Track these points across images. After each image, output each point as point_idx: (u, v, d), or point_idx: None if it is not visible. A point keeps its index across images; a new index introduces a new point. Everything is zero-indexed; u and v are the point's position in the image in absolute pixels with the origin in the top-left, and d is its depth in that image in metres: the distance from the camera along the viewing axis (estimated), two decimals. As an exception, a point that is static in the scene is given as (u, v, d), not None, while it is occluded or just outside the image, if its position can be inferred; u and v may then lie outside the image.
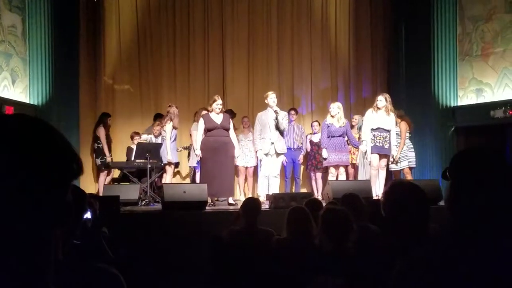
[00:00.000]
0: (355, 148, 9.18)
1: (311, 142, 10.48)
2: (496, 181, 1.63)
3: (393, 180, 8.54)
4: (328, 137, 8.78)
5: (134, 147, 9.84)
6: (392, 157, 8.69)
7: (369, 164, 8.82)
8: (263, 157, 8.57)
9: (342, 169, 8.91)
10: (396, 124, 8.94)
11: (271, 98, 8.57)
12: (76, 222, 2.00)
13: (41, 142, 0.89)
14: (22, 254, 0.86)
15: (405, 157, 8.93)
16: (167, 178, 9.15)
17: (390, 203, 2.46)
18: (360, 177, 9.59)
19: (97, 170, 9.78)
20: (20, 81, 8.65)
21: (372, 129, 8.54)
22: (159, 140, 9.51)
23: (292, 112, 10.55)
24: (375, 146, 8.53)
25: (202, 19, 11.84)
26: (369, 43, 12.36)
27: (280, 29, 12.15)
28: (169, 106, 9.31)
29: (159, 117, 10.09)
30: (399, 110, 9.19)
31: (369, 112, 8.71)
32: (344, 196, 4.74)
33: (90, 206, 3.78)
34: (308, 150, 10.45)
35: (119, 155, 10.50)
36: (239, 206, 5.60)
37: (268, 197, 7.97)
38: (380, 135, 8.51)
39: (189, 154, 10.27)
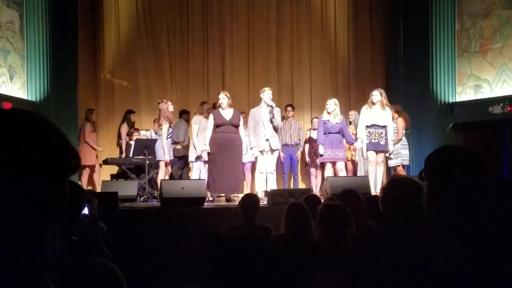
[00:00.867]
0: (350, 145, 9.17)
1: (310, 138, 10.48)
2: (468, 181, 1.64)
3: (392, 176, 8.57)
4: (324, 134, 8.76)
5: (132, 143, 9.83)
6: (388, 152, 8.69)
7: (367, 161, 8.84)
8: (258, 154, 8.54)
9: (342, 166, 8.89)
10: (393, 120, 8.94)
11: (267, 94, 8.51)
12: (73, 218, 2.00)
13: (38, 137, 0.89)
14: (19, 249, 0.86)
15: (398, 155, 8.94)
16: (160, 175, 9.00)
17: (389, 199, 2.47)
18: (359, 173, 9.60)
19: None
20: (18, 77, 8.63)
21: (367, 126, 8.54)
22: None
23: (289, 108, 10.54)
24: (371, 142, 8.53)
25: (202, 16, 11.82)
26: (368, 39, 12.36)
27: (279, 26, 12.14)
28: (159, 103, 9.24)
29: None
30: (396, 105, 9.19)
31: (364, 109, 8.71)
32: (342, 192, 4.74)
33: (89, 202, 3.78)
34: (301, 150, 10.48)
35: (117, 151, 10.51)
36: (237, 202, 5.59)
37: (266, 193, 7.96)
38: (375, 132, 8.51)
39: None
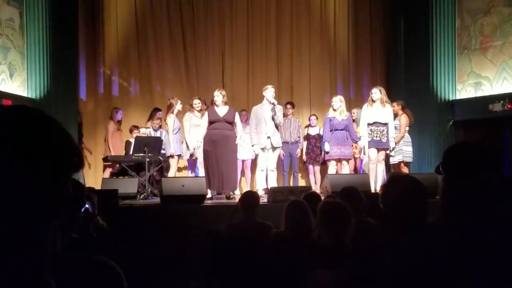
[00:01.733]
0: (355, 143, 9.16)
1: (308, 135, 10.48)
2: (486, 174, 1.63)
3: (392, 173, 8.57)
4: (330, 131, 8.76)
5: (132, 140, 9.82)
6: (389, 149, 8.70)
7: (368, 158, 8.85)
8: (259, 151, 8.53)
9: (345, 162, 8.89)
10: (396, 117, 8.95)
11: (270, 91, 8.51)
12: (74, 216, 2.00)
13: (41, 134, 0.88)
14: (21, 246, 0.86)
15: (399, 151, 8.95)
16: (171, 171, 9.11)
17: (389, 196, 2.46)
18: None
19: None
20: (18, 75, 8.62)
21: (369, 124, 8.55)
22: (158, 134, 9.50)
23: (289, 106, 10.54)
24: (372, 140, 8.54)
25: (202, 12, 11.81)
26: (368, 37, 12.35)
27: (279, 23, 12.13)
28: (171, 98, 9.34)
29: (156, 111, 10.08)
30: (400, 101, 9.19)
31: (365, 107, 8.73)
32: (343, 190, 4.74)
33: (89, 200, 3.78)
34: (301, 147, 10.47)
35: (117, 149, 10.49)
36: (237, 200, 5.60)
37: (267, 190, 7.96)
38: (377, 129, 8.52)
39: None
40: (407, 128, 9.03)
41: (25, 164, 0.85)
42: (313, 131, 10.41)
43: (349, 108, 10.65)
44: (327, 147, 8.78)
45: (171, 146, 8.96)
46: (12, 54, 8.44)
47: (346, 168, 8.94)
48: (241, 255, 4.17)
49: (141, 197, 8.27)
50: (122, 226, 5.92)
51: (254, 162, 10.09)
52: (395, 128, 8.88)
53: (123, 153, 9.89)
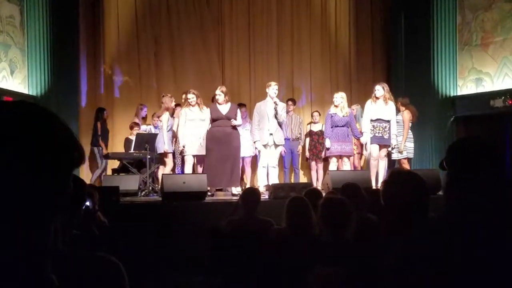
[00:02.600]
0: (356, 139, 9.14)
1: (311, 132, 10.47)
2: (490, 170, 1.63)
3: (393, 169, 8.57)
4: (331, 127, 8.75)
5: (132, 137, 9.83)
6: (391, 146, 8.69)
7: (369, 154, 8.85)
8: (261, 147, 8.52)
9: (346, 159, 8.89)
10: (399, 113, 8.95)
11: (273, 88, 8.48)
12: (75, 212, 2.01)
13: (41, 129, 0.88)
14: (22, 242, 0.86)
15: (404, 147, 8.94)
16: (166, 169, 9.01)
17: (390, 192, 2.46)
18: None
19: None
20: (19, 72, 8.63)
21: (371, 120, 8.55)
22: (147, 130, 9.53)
23: (290, 102, 10.53)
24: (375, 136, 8.55)
25: (202, 9, 11.79)
26: (369, 33, 12.34)
27: (280, 20, 12.12)
28: (163, 96, 9.24)
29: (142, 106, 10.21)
30: (404, 98, 9.18)
31: (368, 103, 8.73)
32: (344, 186, 4.74)
33: (90, 196, 3.78)
34: (302, 144, 10.47)
35: (119, 146, 10.50)
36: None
37: (268, 187, 7.96)
38: (379, 126, 8.53)
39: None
40: (410, 124, 9.02)
41: (25, 159, 0.84)
42: (315, 128, 10.40)
43: (350, 104, 10.64)
44: (328, 143, 8.77)
45: (165, 143, 8.85)
46: (12, 51, 8.44)
47: (347, 165, 8.93)
48: (242, 252, 4.18)
49: (142, 194, 8.27)
50: (123, 223, 5.93)
51: (253, 159, 10.09)
52: (397, 123, 8.86)
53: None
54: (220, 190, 8.72)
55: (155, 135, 9.16)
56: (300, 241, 3.56)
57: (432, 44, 10.14)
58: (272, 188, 7.43)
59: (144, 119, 10.49)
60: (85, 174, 10.08)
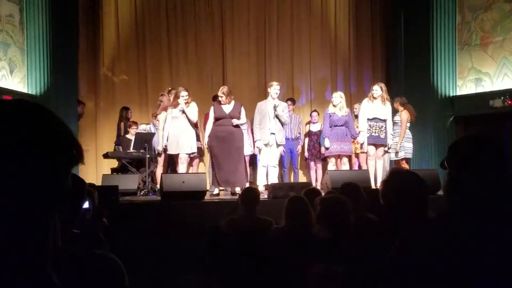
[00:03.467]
0: (353, 139, 9.12)
1: (310, 132, 10.46)
2: (492, 169, 1.63)
3: (393, 168, 8.56)
4: (330, 127, 8.76)
5: (129, 136, 9.82)
6: (387, 145, 8.69)
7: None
8: (263, 147, 8.51)
9: (345, 159, 8.89)
10: (397, 113, 8.96)
11: (275, 89, 8.47)
12: (75, 210, 2.01)
13: (41, 127, 0.89)
14: (22, 240, 0.86)
15: (401, 148, 8.94)
16: (158, 168, 8.88)
17: (389, 191, 2.46)
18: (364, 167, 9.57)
19: None
20: (18, 71, 8.62)
21: (368, 119, 8.57)
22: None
23: (289, 102, 10.50)
24: (371, 136, 8.56)
25: (202, 8, 11.79)
26: (368, 33, 12.34)
27: (279, 19, 12.11)
28: (161, 94, 9.20)
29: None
30: (401, 97, 9.18)
31: (365, 102, 8.74)
32: (343, 185, 4.74)
33: (89, 196, 3.78)
34: (301, 144, 10.45)
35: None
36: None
37: (267, 186, 7.96)
38: (376, 125, 8.54)
39: None
40: (408, 124, 9.02)
41: (24, 157, 0.85)
42: (314, 128, 10.38)
43: (349, 103, 10.64)
44: (327, 143, 8.77)
45: (160, 142, 8.73)
46: (12, 50, 8.43)
47: (346, 165, 8.93)
48: (242, 251, 4.18)
49: (141, 193, 8.27)
50: (122, 222, 5.93)
51: (252, 158, 10.08)
52: (396, 123, 8.87)
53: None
54: (223, 189, 8.70)
55: (154, 134, 9.16)
56: (299, 240, 3.57)
57: (432, 43, 10.14)
58: (271, 188, 7.42)
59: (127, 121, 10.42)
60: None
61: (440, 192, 6.98)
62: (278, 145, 8.58)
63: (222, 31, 11.89)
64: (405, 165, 9.00)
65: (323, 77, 12.22)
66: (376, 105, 8.57)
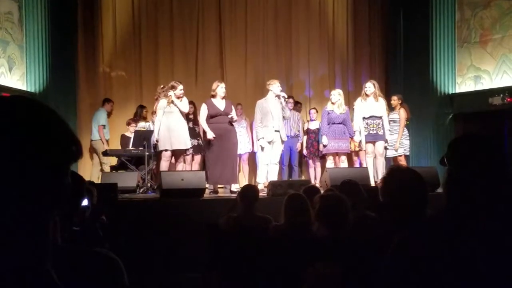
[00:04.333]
0: (351, 138, 9.10)
1: (308, 130, 10.44)
2: (491, 167, 1.63)
3: (392, 166, 8.57)
4: (328, 124, 8.76)
5: (128, 134, 9.81)
6: (387, 141, 8.70)
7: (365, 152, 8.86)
8: (266, 145, 8.48)
9: (343, 157, 8.88)
10: (394, 110, 8.98)
11: (278, 86, 8.48)
12: (74, 207, 2.01)
13: (40, 124, 0.89)
14: (20, 236, 0.86)
15: (400, 145, 8.95)
16: (163, 165, 8.79)
17: (389, 188, 2.46)
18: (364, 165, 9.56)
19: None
20: (17, 68, 8.61)
21: (365, 118, 8.58)
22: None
23: (290, 100, 10.49)
24: (369, 134, 8.57)
25: (200, 6, 11.76)
26: (367, 30, 12.32)
27: (277, 17, 12.09)
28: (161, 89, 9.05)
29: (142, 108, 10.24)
30: (398, 95, 9.21)
31: (359, 101, 8.77)
32: (342, 183, 4.74)
33: (88, 193, 3.78)
34: (300, 141, 10.44)
35: (117, 143, 10.48)
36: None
37: (266, 184, 7.96)
38: (373, 123, 8.56)
39: None
40: (407, 122, 9.04)
41: (22, 153, 0.85)
42: (313, 126, 10.35)
43: (348, 101, 10.62)
44: (324, 140, 8.77)
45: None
46: (11, 47, 8.43)
47: (345, 162, 8.93)
48: (240, 248, 4.18)
49: (141, 191, 8.26)
50: (121, 220, 5.93)
51: (251, 156, 10.07)
52: (394, 121, 8.88)
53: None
54: (222, 187, 8.69)
55: (153, 132, 9.14)
56: (298, 238, 3.57)
57: (431, 41, 10.14)
58: (271, 185, 7.43)
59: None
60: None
61: (439, 190, 6.99)
62: (282, 142, 8.59)
63: (220, 29, 11.86)
64: (403, 162, 9.01)
65: (321, 75, 12.20)
66: (370, 102, 8.61)
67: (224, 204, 6.36)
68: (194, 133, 9.68)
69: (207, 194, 7.79)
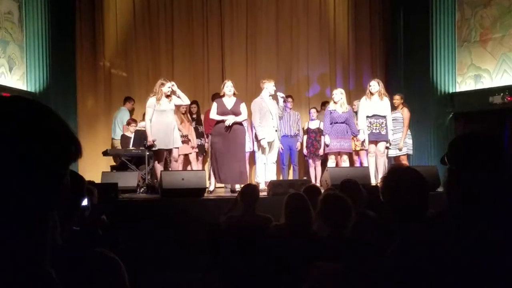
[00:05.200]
0: (354, 136, 9.09)
1: (308, 129, 10.43)
2: (492, 166, 1.63)
3: (393, 165, 8.57)
4: (330, 124, 8.74)
5: (128, 134, 9.80)
6: (389, 141, 8.69)
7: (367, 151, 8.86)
8: (267, 145, 8.46)
9: (345, 156, 8.87)
10: (396, 108, 8.98)
11: (273, 85, 8.49)
12: (74, 207, 2.01)
13: (39, 124, 0.89)
14: (21, 237, 0.86)
15: (404, 144, 8.96)
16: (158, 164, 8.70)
17: (389, 188, 2.46)
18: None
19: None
20: (17, 68, 8.61)
21: (368, 116, 8.56)
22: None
23: (289, 99, 10.49)
24: (372, 133, 8.55)
25: (201, 5, 11.76)
26: (367, 29, 12.31)
27: (278, 16, 12.07)
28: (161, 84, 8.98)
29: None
30: (400, 94, 9.21)
31: (363, 100, 8.73)
32: (342, 182, 4.74)
33: (89, 193, 3.78)
34: (300, 141, 10.42)
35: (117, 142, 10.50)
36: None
37: (267, 183, 7.95)
38: (376, 122, 8.53)
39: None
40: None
41: (21, 153, 0.85)
42: (313, 125, 10.33)
43: (348, 100, 10.61)
44: (327, 139, 8.76)
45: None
46: (11, 47, 8.43)
47: (346, 162, 8.92)
48: (241, 248, 4.18)
49: (141, 190, 8.26)
50: (122, 220, 5.93)
51: (251, 155, 10.06)
52: (396, 120, 8.87)
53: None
54: (222, 187, 8.68)
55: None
56: (298, 237, 3.56)
57: (431, 40, 10.13)
58: (271, 185, 7.43)
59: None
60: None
61: (440, 189, 6.99)
62: (278, 141, 8.62)
63: (221, 28, 11.85)
64: (405, 162, 9.01)
65: (322, 74, 12.19)
66: (374, 101, 8.56)
67: (224, 203, 6.36)
68: (198, 133, 9.70)
69: (221, 193, 7.77)
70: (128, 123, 10.06)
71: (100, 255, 1.03)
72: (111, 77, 11.45)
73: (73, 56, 10.14)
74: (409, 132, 9.10)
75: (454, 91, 10.06)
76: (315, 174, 10.23)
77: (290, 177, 10.47)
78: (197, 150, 9.69)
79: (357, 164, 9.70)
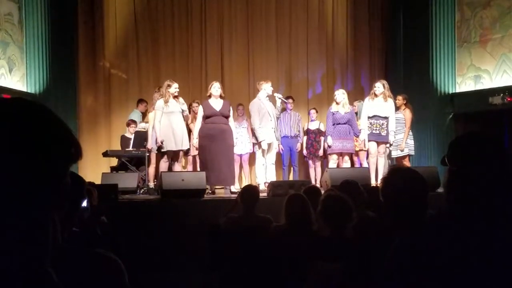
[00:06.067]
0: (356, 137, 9.09)
1: (308, 130, 10.42)
2: (493, 167, 1.63)
3: (393, 166, 8.58)
4: (333, 125, 8.73)
5: (128, 135, 9.80)
6: (389, 143, 8.69)
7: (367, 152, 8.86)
8: (266, 146, 8.44)
9: (346, 157, 8.87)
10: (399, 109, 8.97)
11: (271, 87, 8.50)
12: (74, 208, 2.01)
13: (39, 126, 0.89)
14: (21, 238, 0.86)
15: (405, 145, 8.96)
16: (162, 165, 8.53)
17: (389, 188, 2.46)
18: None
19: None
20: (17, 70, 8.62)
21: (369, 117, 8.55)
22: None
23: (290, 100, 10.48)
24: (372, 133, 8.56)
25: (200, 6, 11.76)
26: (367, 30, 12.31)
27: (278, 17, 12.08)
28: (155, 92, 9.08)
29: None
30: (403, 95, 9.19)
31: (366, 100, 8.75)
32: (342, 183, 4.74)
33: (89, 194, 3.78)
34: (300, 141, 10.41)
35: (117, 143, 10.48)
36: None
37: (267, 184, 7.95)
38: (377, 123, 8.53)
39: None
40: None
41: (22, 155, 0.85)
42: (312, 126, 10.33)
43: (349, 101, 10.61)
44: (329, 140, 8.75)
45: (148, 140, 8.63)
46: (11, 48, 8.43)
47: (348, 163, 8.92)
48: (241, 249, 4.18)
49: (141, 191, 8.26)
50: (122, 221, 5.93)
51: (251, 156, 10.06)
52: (398, 121, 8.85)
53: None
54: (222, 188, 8.67)
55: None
56: (299, 238, 3.56)
57: (431, 41, 10.14)
58: (271, 186, 7.42)
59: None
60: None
61: (440, 190, 6.99)
62: (276, 142, 8.63)
63: (220, 29, 11.86)
64: (407, 163, 9.01)
65: (321, 75, 12.19)
66: (377, 102, 8.56)
67: (224, 204, 6.36)
68: None
69: (221, 194, 7.81)
70: (128, 124, 10.05)
71: (100, 255, 1.03)
72: (111, 78, 11.45)
73: (73, 57, 10.14)
74: (410, 133, 9.10)
75: (454, 91, 10.07)
76: (315, 174, 10.23)
77: (290, 178, 10.46)
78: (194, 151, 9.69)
79: (357, 165, 9.69)
